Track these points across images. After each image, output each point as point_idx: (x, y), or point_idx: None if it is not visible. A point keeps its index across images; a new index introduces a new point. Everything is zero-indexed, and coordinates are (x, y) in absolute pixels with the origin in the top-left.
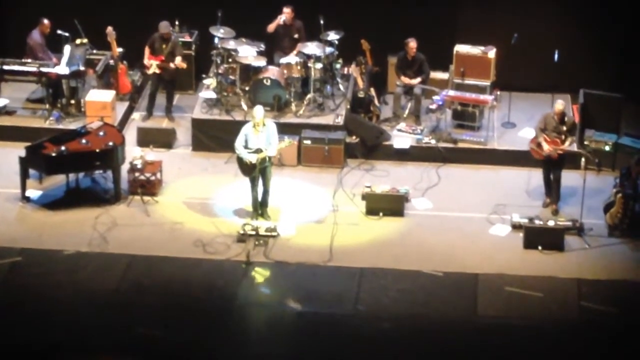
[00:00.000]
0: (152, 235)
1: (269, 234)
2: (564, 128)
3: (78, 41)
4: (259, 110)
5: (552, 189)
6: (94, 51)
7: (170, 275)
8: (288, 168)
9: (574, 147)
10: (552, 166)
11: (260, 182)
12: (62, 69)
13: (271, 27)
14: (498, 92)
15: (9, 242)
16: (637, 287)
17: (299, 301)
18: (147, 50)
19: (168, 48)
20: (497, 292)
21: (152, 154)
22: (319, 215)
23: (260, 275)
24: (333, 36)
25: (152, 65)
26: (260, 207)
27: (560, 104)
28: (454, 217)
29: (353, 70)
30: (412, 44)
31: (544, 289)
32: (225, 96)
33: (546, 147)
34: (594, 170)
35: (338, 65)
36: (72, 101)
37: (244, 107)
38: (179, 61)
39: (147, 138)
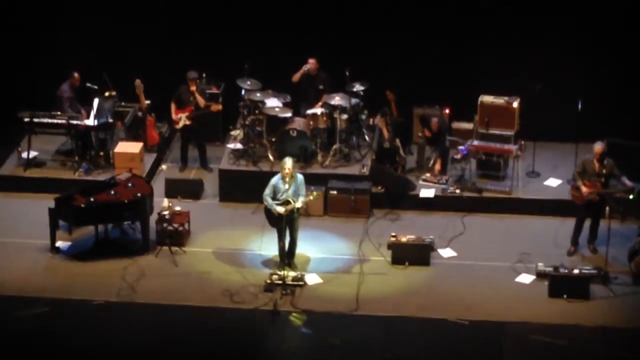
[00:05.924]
0: (180, 285)
1: (296, 283)
2: (604, 171)
3: (107, 94)
4: (289, 160)
5: (591, 230)
6: (122, 103)
7: (198, 324)
8: (314, 218)
9: (628, 183)
10: (593, 209)
11: (287, 232)
12: (91, 121)
13: (296, 77)
14: (522, 142)
15: (38, 293)
16: None
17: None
18: (173, 106)
19: (196, 98)
20: (523, 341)
21: (180, 205)
22: (346, 265)
23: (287, 324)
24: (358, 87)
25: (182, 118)
26: (287, 257)
27: (599, 144)
28: (479, 266)
29: (378, 121)
30: (434, 122)
31: (570, 338)
32: (252, 147)
33: (584, 190)
34: (618, 218)
35: (364, 116)
36: (101, 153)
37: (271, 158)
38: (213, 105)
39: (175, 189)
